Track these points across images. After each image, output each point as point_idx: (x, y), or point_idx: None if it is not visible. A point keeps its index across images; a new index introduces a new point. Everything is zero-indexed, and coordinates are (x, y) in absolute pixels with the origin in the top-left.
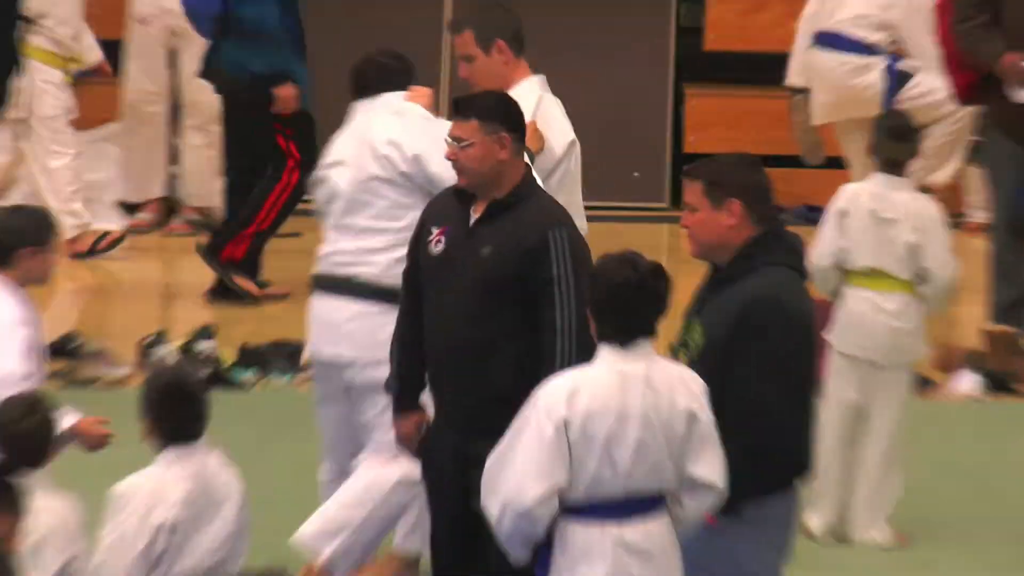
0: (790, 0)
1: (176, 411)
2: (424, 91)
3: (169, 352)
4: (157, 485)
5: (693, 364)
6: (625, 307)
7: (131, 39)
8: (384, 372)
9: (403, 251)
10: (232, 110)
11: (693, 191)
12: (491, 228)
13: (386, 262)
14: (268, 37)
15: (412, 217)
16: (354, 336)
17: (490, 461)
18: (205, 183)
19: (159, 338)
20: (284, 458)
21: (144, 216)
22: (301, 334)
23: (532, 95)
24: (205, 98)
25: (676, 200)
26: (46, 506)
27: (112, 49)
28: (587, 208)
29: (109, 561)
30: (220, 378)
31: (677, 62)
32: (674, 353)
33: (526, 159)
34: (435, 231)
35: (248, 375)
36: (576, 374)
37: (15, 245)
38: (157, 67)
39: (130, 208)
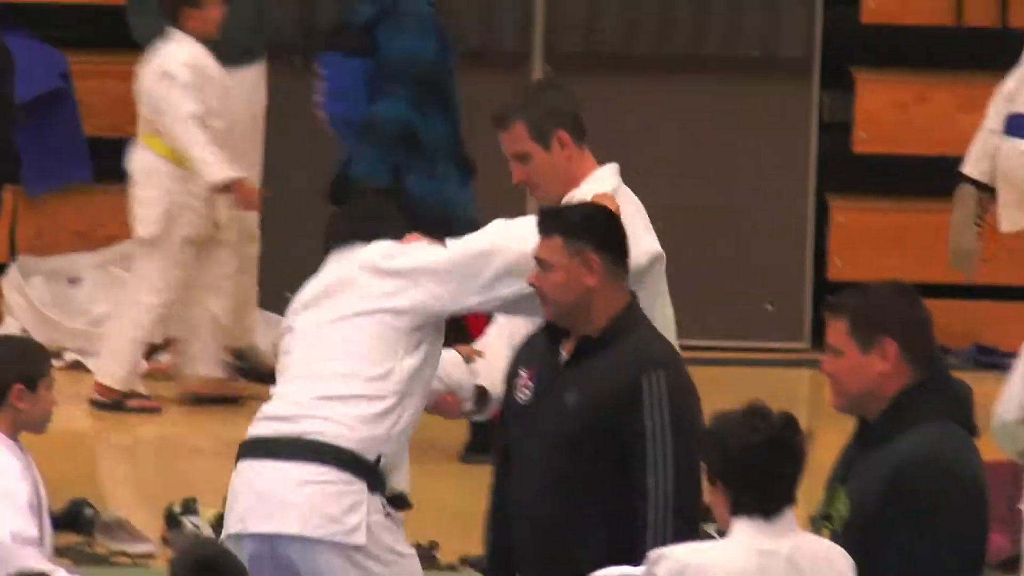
0: (959, 88)
1: None
2: (414, 237)
3: (202, 523)
4: None
5: (837, 539)
6: (762, 472)
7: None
8: (338, 557)
9: (378, 407)
10: None
11: (837, 330)
12: (579, 371)
13: (351, 418)
14: (399, 141)
15: (389, 366)
16: (300, 508)
17: None
18: (240, 318)
19: (189, 506)
20: None
21: (168, 358)
22: None
23: (609, 184)
24: (237, 212)
25: (818, 339)
26: None
27: (120, 152)
28: (706, 349)
29: None
30: None
31: (819, 167)
32: (815, 526)
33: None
34: (523, 375)
35: None
36: (705, 552)
37: (3, 383)
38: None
39: (151, 348)
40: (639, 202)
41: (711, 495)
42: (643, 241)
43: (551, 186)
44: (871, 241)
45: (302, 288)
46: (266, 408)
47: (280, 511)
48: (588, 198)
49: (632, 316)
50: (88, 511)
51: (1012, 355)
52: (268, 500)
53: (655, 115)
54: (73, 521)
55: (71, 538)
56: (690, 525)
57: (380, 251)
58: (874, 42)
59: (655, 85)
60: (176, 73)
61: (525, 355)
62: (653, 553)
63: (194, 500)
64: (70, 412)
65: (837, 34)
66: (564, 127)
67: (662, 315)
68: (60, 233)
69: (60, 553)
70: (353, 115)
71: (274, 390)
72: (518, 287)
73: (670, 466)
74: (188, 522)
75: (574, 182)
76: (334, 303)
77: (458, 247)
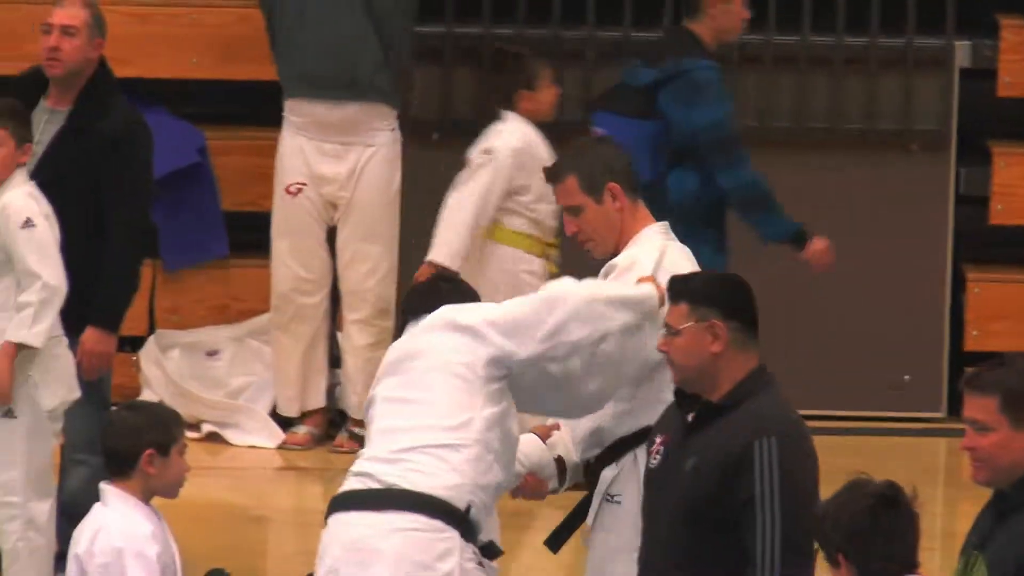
0: None
1: None
2: None
3: None
4: None
5: None
6: (879, 533)
7: (278, 214)
8: None
9: (462, 455)
10: None
11: (985, 407)
12: (700, 437)
13: (436, 467)
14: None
15: (467, 416)
16: (391, 555)
17: None
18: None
19: None
20: None
21: (302, 430)
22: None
23: (654, 245)
24: (371, 286)
25: (954, 409)
26: None
27: (256, 226)
28: (841, 419)
29: None
30: None
31: (956, 238)
32: None
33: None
34: (657, 441)
35: None
36: None
37: (135, 449)
38: (312, 247)
39: (285, 421)
40: (694, 259)
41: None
42: None
43: (603, 238)
44: (1007, 312)
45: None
46: (352, 467)
47: (372, 559)
48: (632, 262)
49: (756, 382)
50: None
51: None
52: (359, 549)
53: (793, 189)
54: None
55: None
56: None
57: (446, 311)
58: (1010, 115)
59: (793, 159)
60: (498, 152)
61: (662, 422)
62: None
63: None
64: (207, 483)
65: (973, 108)
66: (616, 180)
67: None
68: (197, 307)
69: None
70: None
71: (360, 453)
72: (587, 332)
73: (778, 533)
74: None
75: (626, 235)
76: (408, 366)
77: (524, 299)
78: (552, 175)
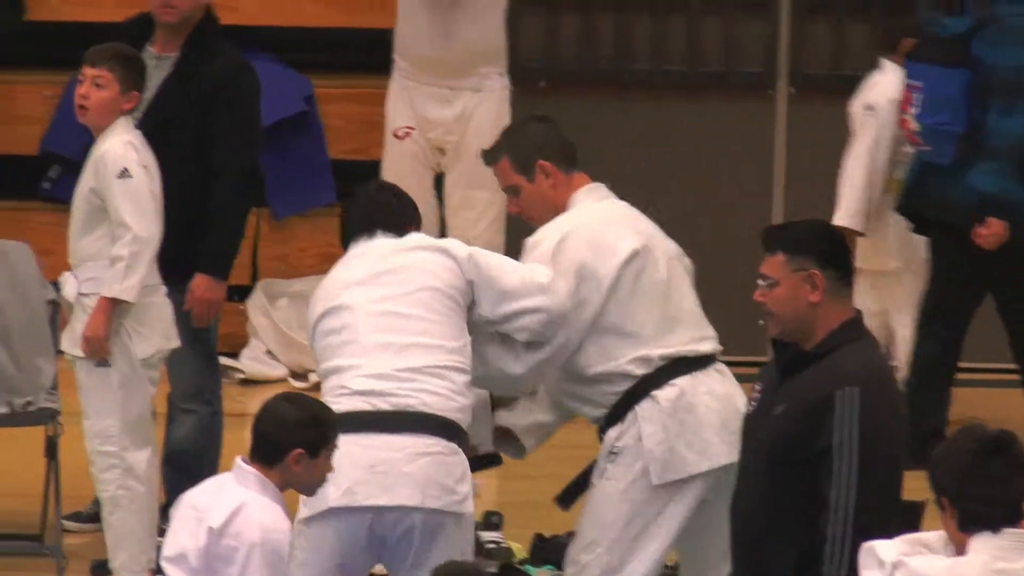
0: None
1: None
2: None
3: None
4: None
5: None
6: (982, 478)
7: (387, 158)
8: (447, 526)
9: (463, 379)
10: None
11: None
12: (791, 384)
13: (447, 389)
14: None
15: (464, 340)
16: (417, 479)
17: None
18: None
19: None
20: None
21: None
22: None
23: (560, 225)
24: (479, 232)
25: None
26: None
27: (365, 174)
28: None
29: None
30: None
31: None
32: None
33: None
34: (757, 389)
35: (545, 572)
36: (939, 566)
37: (287, 444)
38: (419, 193)
39: None
40: (617, 211)
41: (945, 525)
42: (614, 251)
43: (541, 214)
44: None
45: (340, 270)
46: (349, 383)
47: (397, 483)
48: (536, 241)
49: (849, 331)
50: None
51: None
52: (384, 473)
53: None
54: None
55: None
56: (867, 539)
57: (434, 239)
58: None
59: None
60: (878, 107)
61: (764, 369)
62: (892, 556)
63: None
64: None
65: None
66: (546, 157)
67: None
68: (303, 255)
69: None
70: (953, 126)
71: (341, 363)
72: (531, 332)
73: (854, 481)
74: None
75: (560, 207)
76: (392, 280)
77: (529, 269)
78: (487, 158)
